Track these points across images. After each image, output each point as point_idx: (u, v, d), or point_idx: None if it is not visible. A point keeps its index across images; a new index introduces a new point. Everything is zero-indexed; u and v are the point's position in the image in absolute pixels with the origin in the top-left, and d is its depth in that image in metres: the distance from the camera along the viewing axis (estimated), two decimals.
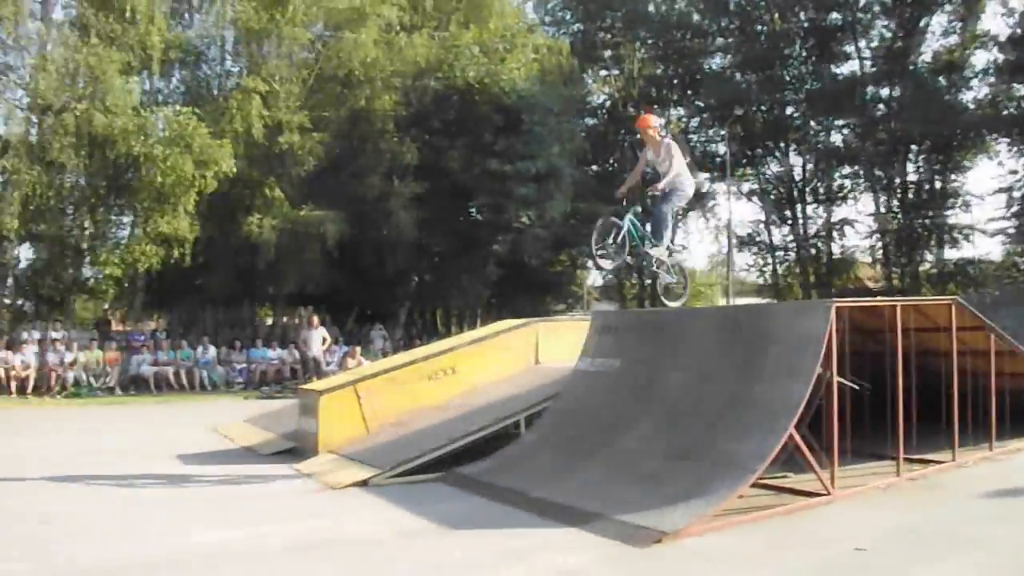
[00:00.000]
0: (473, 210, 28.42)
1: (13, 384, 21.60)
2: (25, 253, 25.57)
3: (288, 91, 25.76)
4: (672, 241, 9.90)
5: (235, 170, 24.03)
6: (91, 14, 24.15)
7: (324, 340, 22.93)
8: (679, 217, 9.56)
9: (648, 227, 9.69)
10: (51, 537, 7.22)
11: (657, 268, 10.03)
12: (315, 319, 23.73)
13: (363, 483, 8.75)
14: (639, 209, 9.67)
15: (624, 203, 9.65)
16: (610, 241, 9.33)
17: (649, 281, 9.75)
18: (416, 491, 8.57)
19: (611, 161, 36.48)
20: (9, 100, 24.30)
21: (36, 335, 23.40)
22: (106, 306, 28.09)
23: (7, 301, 25.18)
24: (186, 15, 27.58)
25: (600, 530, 6.94)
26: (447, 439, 9.93)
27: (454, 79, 27.05)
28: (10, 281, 25.16)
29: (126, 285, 25.68)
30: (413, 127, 27.24)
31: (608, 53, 37.35)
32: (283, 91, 25.61)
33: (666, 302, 10.24)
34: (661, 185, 9.30)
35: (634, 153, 34.72)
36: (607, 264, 9.67)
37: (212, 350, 24.33)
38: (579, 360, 10.86)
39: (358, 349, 22.71)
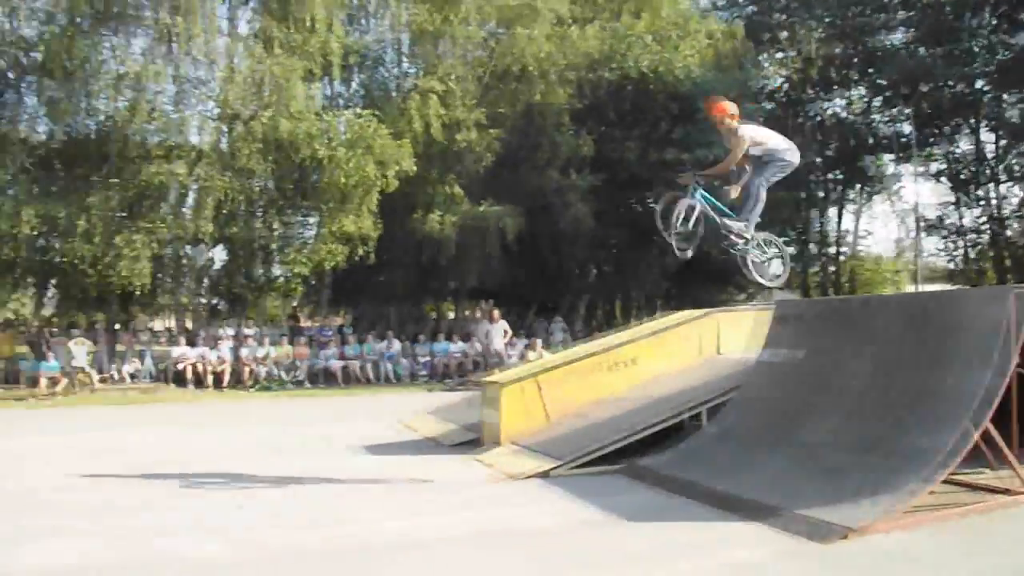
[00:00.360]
0: (651, 200, 27.97)
1: (210, 378, 22.83)
2: (219, 255, 26.89)
3: (464, 89, 26.09)
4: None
5: (415, 169, 24.49)
6: (274, 26, 25.12)
7: (505, 333, 23.10)
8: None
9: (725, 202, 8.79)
10: (245, 522, 7.51)
11: (744, 245, 8.69)
12: (496, 313, 23.96)
13: (543, 474, 8.73)
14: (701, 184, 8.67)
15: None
16: (680, 222, 8.36)
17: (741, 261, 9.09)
18: (596, 483, 8.47)
19: None
20: (201, 112, 25.59)
21: (230, 332, 24.67)
22: (295, 303, 29.25)
23: (203, 300, 26.60)
24: (362, 21, 28.25)
25: (782, 524, 6.71)
26: (627, 431, 9.86)
27: (628, 69, 26.75)
28: (206, 281, 26.57)
29: (313, 283, 26.63)
30: (588, 119, 27.14)
31: (784, 34, 36.11)
32: (459, 89, 25.94)
33: (761, 282, 9.09)
34: (737, 184, 8.46)
35: (814, 135, 33.46)
36: (686, 247, 8.53)
37: (397, 344, 24.92)
38: (762, 351, 10.54)
39: (538, 341, 22.82)
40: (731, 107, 8.63)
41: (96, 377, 22.70)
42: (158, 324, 31.27)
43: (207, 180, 24.03)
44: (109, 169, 24.04)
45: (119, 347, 24.34)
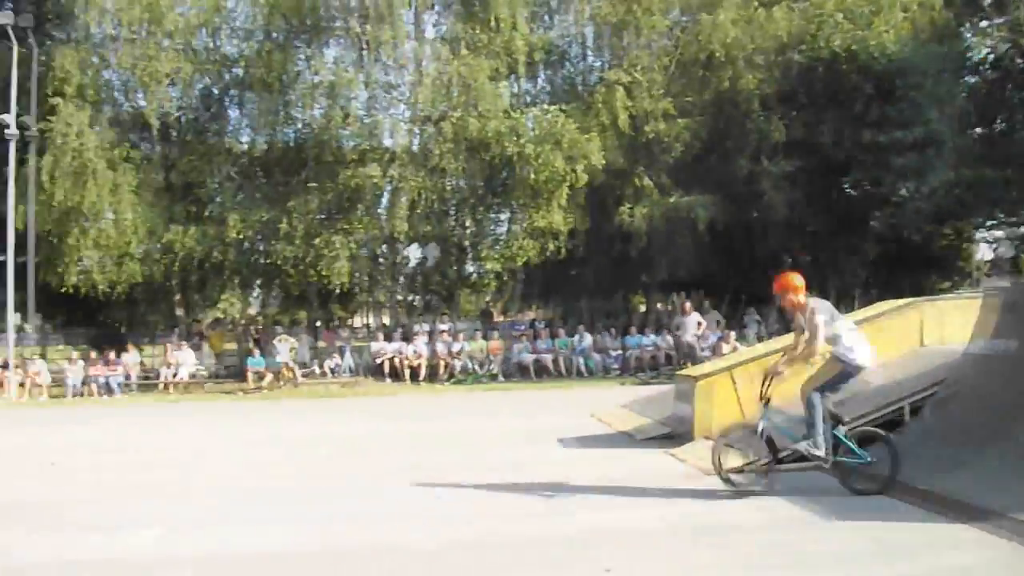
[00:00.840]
0: (847, 185, 26.91)
1: (407, 372, 23.25)
2: (414, 253, 27.41)
3: (651, 80, 25.84)
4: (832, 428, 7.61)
5: (604, 162, 24.41)
6: (460, 28, 25.78)
7: (699, 325, 22.66)
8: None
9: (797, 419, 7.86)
10: (442, 512, 7.61)
11: (826, 464, 7.63)
12: (688, 305, 23.58)
13: (739, 470, 8.22)
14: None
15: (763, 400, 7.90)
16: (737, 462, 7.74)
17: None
18: (795, 479, 8.02)
19: (999, 121, 32.84)
20: (393, 115, 26.36)
21: (426, 327, 25.19)
22: (488, 299, 29.62)
23: (400, 297, 27.29)
24: (545, 17, 28.47)
25: (995, 528, 6.20)
26: None
27: (819, 50, 25.86)
28: (402, 279, 27.23)
29: (506, 279, 26.83)
30: (779, 104, 26.38)
31: (987, 1, 33.92)
32: (646, 80, 25.72)
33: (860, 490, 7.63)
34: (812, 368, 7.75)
35: None
36: (750, 487, 7.76)
37: (588, 338, 24.80)
38: (970, 342, 9.88)
39: (732, 334, 22.28)
40: (796, 280, 7.86)
41: (299, 372, 23.57)
42: (357, 321, 32.28)
43: (401, 181, 24.75)
44: (308, 174, 25.13)
45: (320, 343, 25.26)
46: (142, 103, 25.60)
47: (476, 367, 24.08)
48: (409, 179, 24.69)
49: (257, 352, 23.93)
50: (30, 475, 9.96)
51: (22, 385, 22.81)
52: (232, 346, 26.28)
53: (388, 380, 23.59)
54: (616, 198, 25.88)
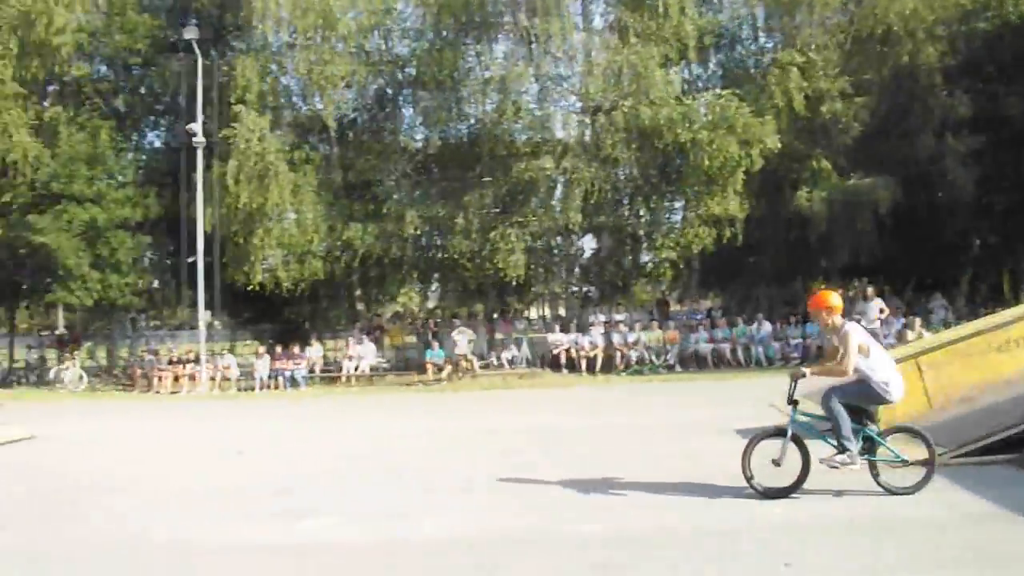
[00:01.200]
0: None
1: (583, 363, 23.34)
2: (588, 243, 27.55)
3: (825, 58, 25.24)
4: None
5: (779, 146, 23.98)
6: (627, 16, 25.65)
7: (881, 311, 22.06)
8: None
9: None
10: (620, 503, 7.55)
11: (859, 468, 7.60)
12: (870, 291, 22.99)
13: (924, 462, 7.78)
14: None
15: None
16: (774, 462, 7.55)
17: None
18: (984, 473, 7.79)
19: None
20: (564, 107, 26.53)
21: (602, 318, 25.21)
22: (663, 288, 29.51)
23: (575, 288, 27.46)
24: (714, 0, 28.31)
25: None
26: (1020, 418, 8.81)
27: (1006, 15, 24.84)
28: (577, 270, 27.40)
29: (681, 267, 26.67)
30: (963, 77, 25.39)
31: None
32: (820, 59, 25.13)
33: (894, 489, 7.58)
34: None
35: None
36: (775, 492, 7.58)
37: (767, 326, 24.39)
38: None
39: (917, 320, 21.56)
40: (832, 299, 7.93)
41: (477, 364, 23.95)
42: (533, 312, 32.67)
43: (573, 172, 24.82)
44: (481, 169, 25.49)
45: (498, 335, 25.58)
46: (319, 106, 26.46)
47: (652, 357, 24.01)
48: (582, 170, 24.74)
49: (436, 344, 24.42)
50: (220, 464, 10.42)
51: (213, 379, 23.95)
52: (411, 339, 26.95)
53: (564, 371, 23.76)
54: (792, 182, 25.36)
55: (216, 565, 6.03)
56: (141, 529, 7.08)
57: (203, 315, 25.11)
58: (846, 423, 7.42)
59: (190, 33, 24.97)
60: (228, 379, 24.34)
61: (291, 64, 26.62)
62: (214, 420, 17.45)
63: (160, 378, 24.09)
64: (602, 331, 24.68)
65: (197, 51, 24.96)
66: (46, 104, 27.62)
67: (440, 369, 23.75)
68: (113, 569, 5.96)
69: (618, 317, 25.34)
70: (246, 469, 9.90)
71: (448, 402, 19.19)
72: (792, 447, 7.55)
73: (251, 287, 25.08)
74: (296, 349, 24.48)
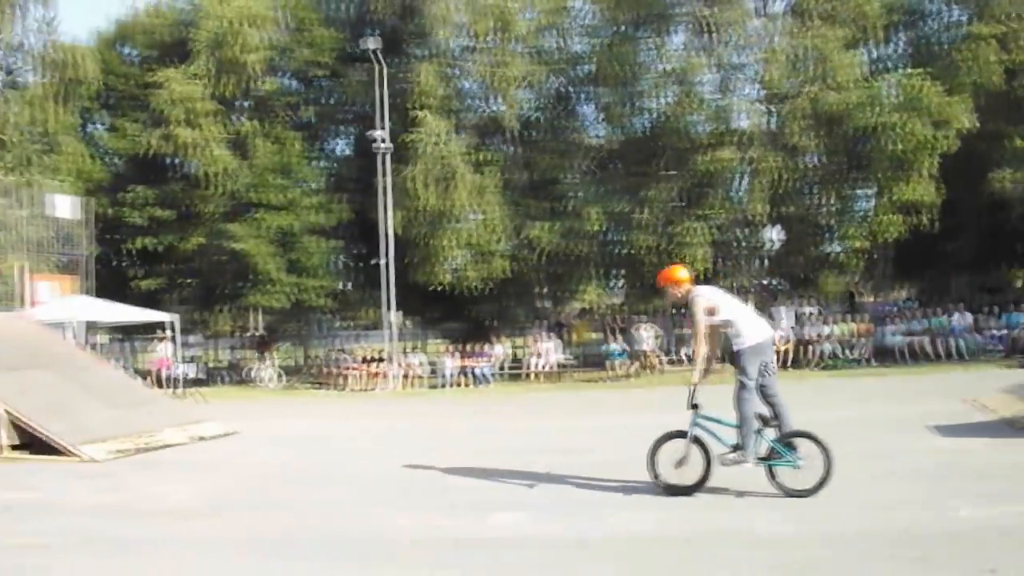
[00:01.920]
0: None
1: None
2: (773, 235, 27.24)
3: None
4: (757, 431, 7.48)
5: (976, 125, 23.18)
6: None
7: None
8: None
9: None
10: (806, 502, 7.12)
11: (753, 465, 7.50)
12: None
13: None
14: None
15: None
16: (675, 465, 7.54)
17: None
18: None
19: None
20: (745, 96, 26.31)
21: (790, 311, 24.84)
22: (855, 279, 28.88)
23: (764, 281, 27.28)
24: None
25: None
26: None
27: None
28: (763, 262, 27.21)
29: (872, 256, 26.11)
30: None
31: None
32: (1021, 28, 24.08)
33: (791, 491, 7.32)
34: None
35: None
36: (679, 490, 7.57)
37: (967, 317, 23.55)
38: None
39: None
40: (677, 272, 8.04)
41: (663, 359, 24.11)
42: None
43: (756, 162, 24.64)
44: (661, 162, 25.59)
45: (686, 330, 25.67)
46: (499, 107, 27.18)
47: (844, 351, 23.62)
48: (766, 159, 24.56)
49: (620, 340, 24.75)
50: (411, 458, 10.57)
51: (404, 376, 24.97)
52: (595, 335, 27.34)
53: None
54: (989, 162, 24.36)
55: (414, 557, 6.12)
56: (343, 519, 7.41)
57: (393, 315, 26.11)
58: (749, 426, 7.48)
59: (371, 44, 25.94)
60: (418, 376, 25.27)
61: (470, 67, 27.30)
62: (404, 416, 18.04)
63: (352, 376, 25.28)
64: (791, 324, 24.38)
65: (378, 60, 26.00)
66: (240, 119, 29.42)
67: (625, 364, 24.08)
68: (322, 555, 6.22)
69: (807, 309, 24.95)
70: (437, 462, 10.04)
71: (636, 398, 19.26)
72: (695, 449, 7.61)
73: (437, 287, 25.96)
74: (483, 347, 25.23)
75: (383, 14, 28.75)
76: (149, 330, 27.13)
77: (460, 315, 28.87)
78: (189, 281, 29.97)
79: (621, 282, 29.56)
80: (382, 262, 26.19)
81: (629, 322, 26.17)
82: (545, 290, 29.88)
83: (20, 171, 26.13)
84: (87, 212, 24.49)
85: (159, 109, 27.29)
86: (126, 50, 32.76)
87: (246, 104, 29.97)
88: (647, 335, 24.53)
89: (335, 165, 31.75)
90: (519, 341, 27.92)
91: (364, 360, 25.88)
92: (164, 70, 27.80)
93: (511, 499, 7.93)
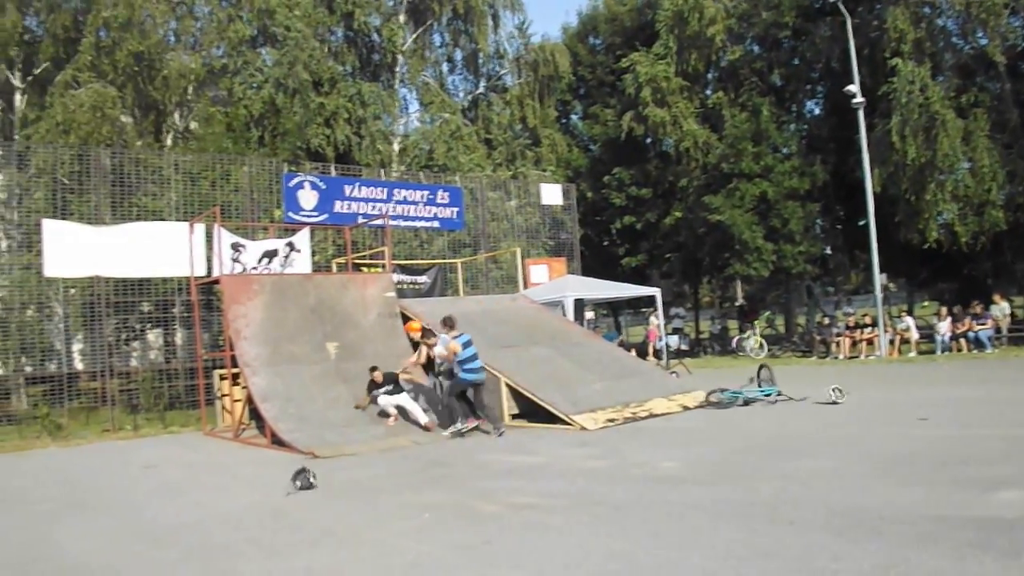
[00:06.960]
0: None
1: None
2: None
3: None
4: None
5: None
6: None
7: None
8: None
9: None
10: None
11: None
12: None
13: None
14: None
15: None
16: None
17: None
18: None
19: None
20: None
21: None
22: None
23: None
24: None
25: None
26: None
27: None
28: None
29: None
30: None
31: None
32: None
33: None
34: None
35: None
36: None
37: None
38: None
39: None
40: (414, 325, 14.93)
41: None
42: None
43: None
44: None
45: None
46: (982, 42, 25.77)
47: None
48: None
49: None
50: (902, 429, 10.26)
51: (891, 342, 24.65)
52: None
53: None
54: None
55: (898, 533, 5.83)
56: (822, 494, 7.16)
57: (878, 278, 25.80)
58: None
59: None
60: (907, 342, 24.70)
61: (946, 3, 26.16)
62: (894, 384, 17.31)
63: (838, 343, 25.52)
64: None
65: (845, 12, 25.84)
66: (708, 92, 30.93)
67: None
68: (822, 527, 6.12)
69: None
70: (928, 435, 9.69)
71: None
72: None
73: (926, 245, 25.37)
74: (979, 308, 24.05)
75: None
76: (635, 305, 29.61)
77: (953, 274, 27.81)
78: (670, 256, 32.14)
79: None
80: (865, 223, 25.88)
81: None
82: None
83: (508, 166, 29.85)
84: (571, 197, 26.62)
85: (629, 92, 29.64)
86: (593, 41, 35.92)
87: (712, 76, 31.37)
88: None
89: (807, 126, 31.81)
90: (1021, 301, 26.22)
91: (850, 327, 25.97)
92: (631, 54, 30.14)
93: (1014, 476, 7.37)
